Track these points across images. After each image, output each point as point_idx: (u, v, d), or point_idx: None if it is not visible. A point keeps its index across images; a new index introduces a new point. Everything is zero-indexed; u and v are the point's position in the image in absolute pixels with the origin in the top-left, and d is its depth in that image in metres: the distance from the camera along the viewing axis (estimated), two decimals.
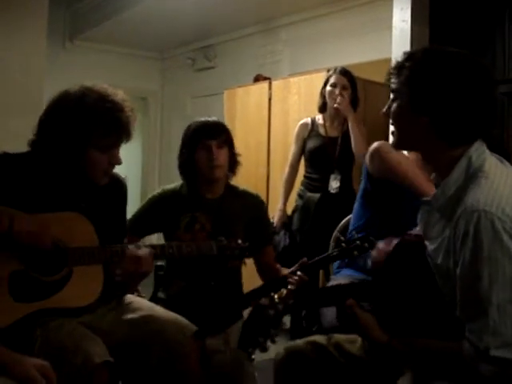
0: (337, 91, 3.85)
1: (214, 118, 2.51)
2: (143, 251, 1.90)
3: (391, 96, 1.59)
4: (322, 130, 3.97)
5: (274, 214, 4.07)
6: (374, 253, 1.93)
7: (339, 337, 1.84)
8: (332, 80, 3.90)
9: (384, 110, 1.62)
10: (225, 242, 2.09)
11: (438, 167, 1.57)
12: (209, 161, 2.38)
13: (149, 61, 7.83)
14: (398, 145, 1.65)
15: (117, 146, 1.92)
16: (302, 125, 4.11)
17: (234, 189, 2.53)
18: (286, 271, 2.45)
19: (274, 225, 3.96)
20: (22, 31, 4.21)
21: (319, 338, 1.84)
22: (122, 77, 7.09)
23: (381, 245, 1.89)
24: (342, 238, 2.17)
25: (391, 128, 1.63)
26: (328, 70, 4.07)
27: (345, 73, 3.91)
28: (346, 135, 3.90)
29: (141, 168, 8.09)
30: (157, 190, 2.57)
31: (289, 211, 4.11)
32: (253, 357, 1.55)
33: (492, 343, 1.37)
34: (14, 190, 1.81)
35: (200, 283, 2.38)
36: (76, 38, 7.02)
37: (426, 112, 1.49)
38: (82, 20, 6.82)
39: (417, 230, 1.73)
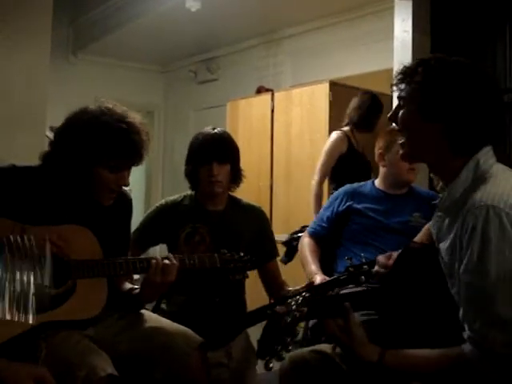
0: None
1: (219, 131, 2.49)
2: (168, 262, 1.91)
3: (398, 102, 1.57)
4: (358, 147, 4.01)
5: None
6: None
7: None
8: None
9: (389, 115, 1.59)
10: (228, 255, 2.09)
11: (444, 174, 1.58)
12: (208, 177, 2.39)
13: (151, 74, 7.86)
14: (409, 155, 1.60)
15: (127, 167, 1.94)
16: (340, 139, 4.09)
17: (237, 202, 2.53)
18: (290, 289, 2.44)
19: None
20: (25, 45, 4.23)
21: (324, 347, 1.83)
22: (124, 90, 7.14)
23: (381, 258, 1.90)
24: (350, 262, 2.16)
25: (399, 139, 1.60)
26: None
27: None
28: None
29: (144, 181, 8.10)
30: (159, 202, 2.57)
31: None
32: (271, 365, 1.53)
33: (498, 339, 1.36)
34: (21, 202, 1.82)
35: (203, 298, 2.37)
36: (79, 52, 7.06)
37: (440, 119, 1.48)
38: (85, 34, 6.87)
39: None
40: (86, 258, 1.85)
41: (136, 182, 7.61)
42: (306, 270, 2.66)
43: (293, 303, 1.59)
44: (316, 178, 4.15)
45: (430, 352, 1.49)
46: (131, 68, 7.55)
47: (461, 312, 1.46)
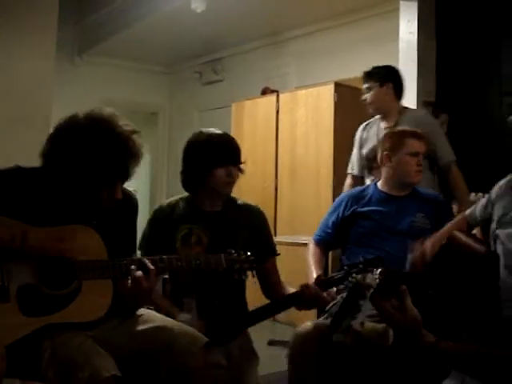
0: None
1: (224, 134, 2.46)
2: (140, 273, 1.87)
3: None
4: None
5: None
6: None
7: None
8: None
9: None
10: (234, 255, 2.07)
11: None
12: (227, 180, 2.37)
13: (156, 75, 7.87)
14: None
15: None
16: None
17: (234, 201, 2.52)
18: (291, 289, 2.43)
19: None
20: (31, 46, 4.25)
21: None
22: (129, 91, 7.16)
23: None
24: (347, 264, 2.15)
25: None
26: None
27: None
28: None
29: (149, 182, 8.11)
30: (155, 207, 2.55)
31: None
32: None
33: None
34: (26, 203, 1.82)
35: (204, 300, 2.37)
36: (85, 53, 7.08)
37: None
38: (90, 35, 6.89)
39: None
40: (91, 259, 1.84)
41: (141, 183, 7.62)
42: (308, 279, 2.63)
43: (372, 275, 1.54)
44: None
45: (485, 348, 1.45)
46: (136, 69, 7.55)
47: None
